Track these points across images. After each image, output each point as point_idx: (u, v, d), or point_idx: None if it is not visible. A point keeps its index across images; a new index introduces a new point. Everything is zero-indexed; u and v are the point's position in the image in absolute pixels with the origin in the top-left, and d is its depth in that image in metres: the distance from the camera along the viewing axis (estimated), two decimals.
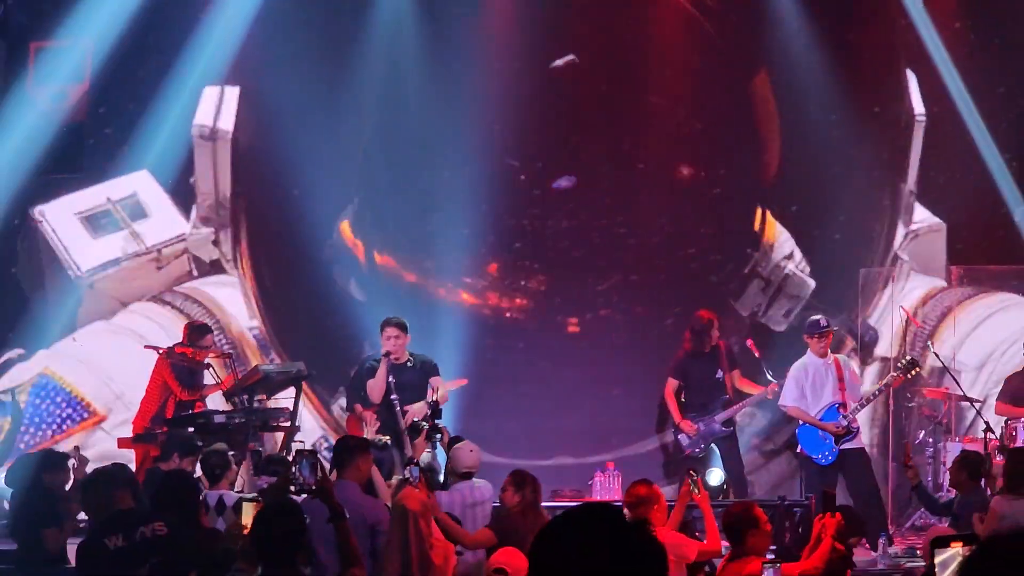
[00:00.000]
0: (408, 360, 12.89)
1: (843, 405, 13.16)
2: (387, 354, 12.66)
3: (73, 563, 9.28)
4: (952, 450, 13.60)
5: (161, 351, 13.73)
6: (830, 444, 13.11)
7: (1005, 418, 13.89)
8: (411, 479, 9.59)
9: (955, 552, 4.89)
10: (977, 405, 14.09)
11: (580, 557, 2.96)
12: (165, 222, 15.76)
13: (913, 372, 13.61)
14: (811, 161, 15.94)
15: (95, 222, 15.50)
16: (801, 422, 13.28)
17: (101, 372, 15.35)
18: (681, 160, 16.23)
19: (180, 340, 13.86)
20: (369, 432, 12.42)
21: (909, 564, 11.59)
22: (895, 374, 13.61)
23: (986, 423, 13.53)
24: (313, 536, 7.55)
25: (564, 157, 16.23)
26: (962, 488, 11.44)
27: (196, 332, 13.86)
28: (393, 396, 12.63)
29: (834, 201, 15.97)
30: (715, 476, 14.07)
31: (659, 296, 15.92)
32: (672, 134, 16.13)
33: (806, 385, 13.22)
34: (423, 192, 15.73)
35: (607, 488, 13.46)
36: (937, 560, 4.91)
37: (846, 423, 13.10)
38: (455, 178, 15.53)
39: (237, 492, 10.16)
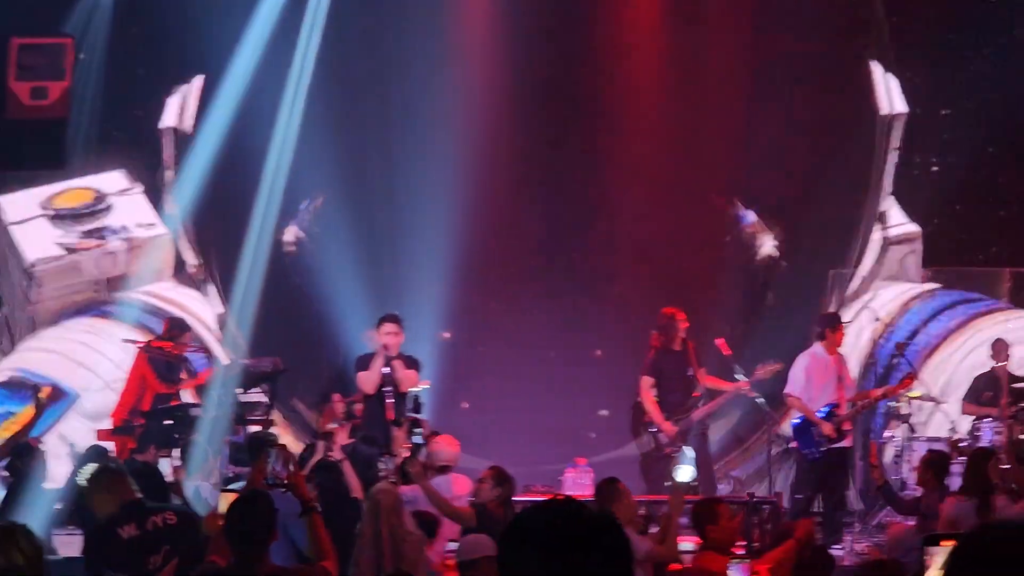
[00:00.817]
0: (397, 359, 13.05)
1: (838, 406, 13.30)
2: (384, 347, 12.80)
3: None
4: (918, 449, 13.70)
5: (140, 344, 13.84)
6: (821, 441, 13.24)
7: (972, 417, 14.07)
8: (385, 470, 9.71)
9: (947, 550, 4.86)
10: (943, 405, 14.16)
11: (545, 550, 2.94)
12: (133, 219, 15.77)
13: (911, 385, 13.77)
14: (788, 160, 16.06)
15: (58, 215, 15.52)
16: (798, 416, 13.34)
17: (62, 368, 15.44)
18: (660, 159, 16.28)
19: (160, 334, 13.97)
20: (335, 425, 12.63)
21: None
22: (892, 386, 13.73)
23: (951, 423, 13.64)
24: (283, 528, 7.71)
25: (540, 154, 16.33)
26: (928, 487, 11.46)
27: (176, 327, 13.95)
28: (386, 389, 12.78)
29: (809, 201, 16.07)
30: (685, 473, 14.12)
31: (637, 295, 15.95)
32: (652, 132, 16.19)
33: (813, 378, 13.30)
34: (393, 190, 15.85)
35: (578, 484, 13.49)
36: (929, 559, 4.94)
37: (838, 424, 13.27)
38: (429, 174, 15.64)
39: (211, 483, 10.27)
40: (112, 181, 15.68)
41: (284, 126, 15.28)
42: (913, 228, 16.15)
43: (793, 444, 13.48)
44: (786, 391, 13.47)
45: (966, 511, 10.21)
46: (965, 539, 2.88)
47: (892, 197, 16.19)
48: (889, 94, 16.16)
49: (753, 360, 14.06)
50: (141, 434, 12.42)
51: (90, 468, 8.22)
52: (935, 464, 11.59)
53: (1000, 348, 14.35)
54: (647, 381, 14.07)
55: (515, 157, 16.28)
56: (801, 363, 13.38)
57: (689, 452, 14.02)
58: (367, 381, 12.92)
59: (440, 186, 15.57)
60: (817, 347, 13.43)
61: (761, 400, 13.88)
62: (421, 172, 15.69)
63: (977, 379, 14.62)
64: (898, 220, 16.24)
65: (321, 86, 15.61)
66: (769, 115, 15.99)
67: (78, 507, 11.16)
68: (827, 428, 13.19)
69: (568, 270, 16.26)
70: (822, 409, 13.25)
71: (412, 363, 13.01)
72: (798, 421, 13.38)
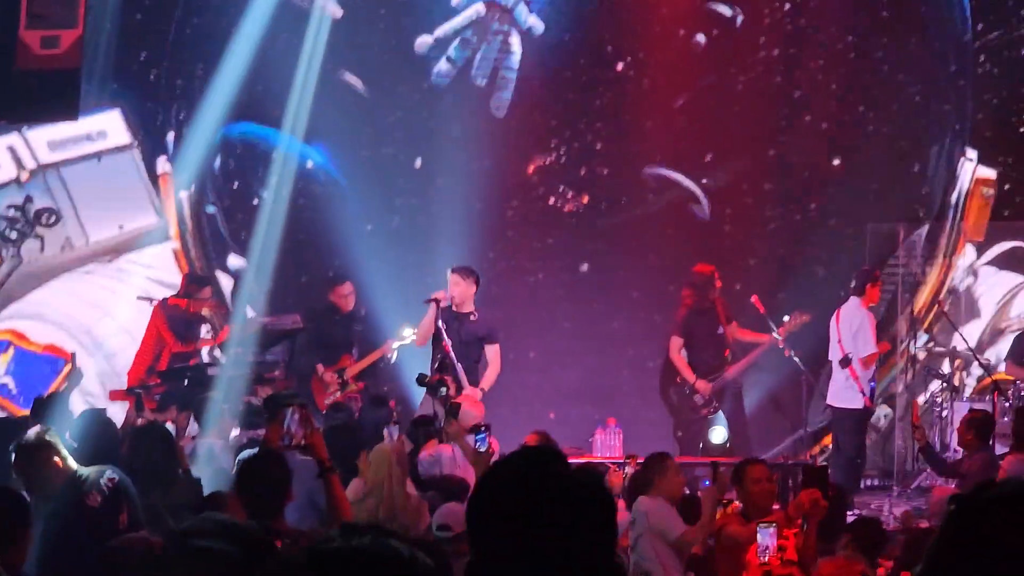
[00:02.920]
0: (472, 314, 12.83)
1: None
2: (436, 300, 12.61)
3: None
4: (960, 410, 13.44)
5: (155, 302, 13.63)
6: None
7: (1014, 378, 13.79)
8: (391, 439, 9.60)
9: None
10: (985, 365, 13.98)
11: (516, 503, 2.72)
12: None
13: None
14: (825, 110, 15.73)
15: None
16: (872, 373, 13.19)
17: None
18: (692, 114, 15.96)
19: (177, 291, 13.76)
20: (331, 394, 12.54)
21: (922, 524, 11.45)
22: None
23: (994, 383, 13.44)
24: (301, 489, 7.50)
25: (569, 113, 16.08)
26: (971, 448, 11.34)
27: (195, 284, 13.82)
28: (445, 340, 12.54)
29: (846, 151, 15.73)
30: (719, 434, 13.89)
31: (666, 250, 15.68)
32: (683, 84, 15.93)
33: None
34: (421, 145, 15.61)
35: (608, 445, 13.26)
36: None
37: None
38: (455, 124, 15.44)
39: (224, 443, 10.04)
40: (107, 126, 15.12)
41: (302, 80, 14.92)
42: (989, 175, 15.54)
43: (867, 403, 13.11)
44: (870, 353, 13.11)
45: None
46: (964, 498, 2.78)
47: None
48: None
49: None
50: (162, 394, 12.27)
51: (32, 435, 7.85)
52: (977, 424, 11.43)
53: None
54: (677, 342, 13.87)
55: (545, 115, 16.02)
56: (862, 317, 13.04)
57: (721, 414, 13.82)
58: (419, 333, 12.85)
59: (464, 148, 15.36)
60: (861, 301, 13.14)
61: (797, 359, 13.60)
62: (443, 126, 15.42)
63: (1019, 339, 14.35)
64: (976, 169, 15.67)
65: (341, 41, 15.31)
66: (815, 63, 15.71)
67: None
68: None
69: (596, 226, 16.01)
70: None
71: (490, 334, 12.84)
72: (873, 382, 13.17)
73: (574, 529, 2.70)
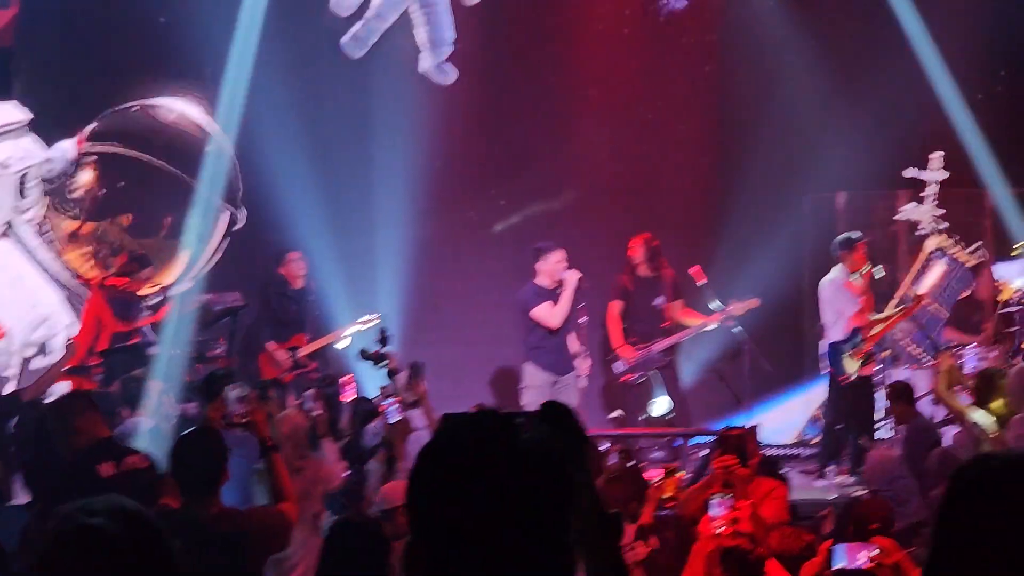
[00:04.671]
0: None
1: (862, 330, 13.13)
2: (557, 280, 13.20)
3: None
4: (899, 378, 13.52)
5: (94, 282, 13.55)
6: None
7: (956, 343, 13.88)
8: (305, 404, 9.59)
9: None
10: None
11: (460, 471, 2.44)
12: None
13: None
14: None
15: None
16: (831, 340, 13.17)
17: None
18: (635, 82, 15.95)
19: (114, 271, 13.67)
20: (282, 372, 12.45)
21: (857, 492, 11.56)
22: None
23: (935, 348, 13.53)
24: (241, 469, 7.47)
25: (508, 85, 15.94)
26: (905, 418, 11.51)
27: (135, 263, 13.68)
28: (582, 320, 13.15)
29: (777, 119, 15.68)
30: (661, 404, 13.92)
31: (609, 223, 15.63)
32: (618, 52, 15.90)
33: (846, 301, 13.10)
34: (366, 116, 15.40)
35: None
36: None
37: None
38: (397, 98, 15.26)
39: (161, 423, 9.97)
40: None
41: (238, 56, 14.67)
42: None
43: (827, 370, 13.13)
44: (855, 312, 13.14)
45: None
46: (961, 470, 2.77)
47: None
48: None
49: (725, 290, 13.80)
50: (104, 372, 12.19)
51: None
52: (902, 394, 11.71)
53: (985, 274, 14.17)
54: (615, 306, 13.99)
55: (482, 87, 15.82)
56: (836, 286, 13.11)
57: (658, 382, 13.84)
58: (558, 316, 13.14)
59: (399, 118, 15.18)
60: (837, 269, 13.18)
61: (738, 329, 13.63)
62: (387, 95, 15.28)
63: (957, 306, 14.44)
64: None
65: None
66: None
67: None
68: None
69: (537, 205, 15.86)
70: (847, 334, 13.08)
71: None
72: (830, 347, 13.13)
73: (523, 500, 2.43)
